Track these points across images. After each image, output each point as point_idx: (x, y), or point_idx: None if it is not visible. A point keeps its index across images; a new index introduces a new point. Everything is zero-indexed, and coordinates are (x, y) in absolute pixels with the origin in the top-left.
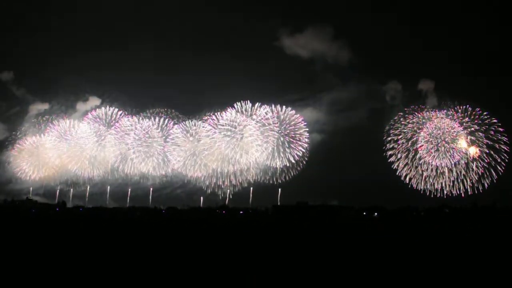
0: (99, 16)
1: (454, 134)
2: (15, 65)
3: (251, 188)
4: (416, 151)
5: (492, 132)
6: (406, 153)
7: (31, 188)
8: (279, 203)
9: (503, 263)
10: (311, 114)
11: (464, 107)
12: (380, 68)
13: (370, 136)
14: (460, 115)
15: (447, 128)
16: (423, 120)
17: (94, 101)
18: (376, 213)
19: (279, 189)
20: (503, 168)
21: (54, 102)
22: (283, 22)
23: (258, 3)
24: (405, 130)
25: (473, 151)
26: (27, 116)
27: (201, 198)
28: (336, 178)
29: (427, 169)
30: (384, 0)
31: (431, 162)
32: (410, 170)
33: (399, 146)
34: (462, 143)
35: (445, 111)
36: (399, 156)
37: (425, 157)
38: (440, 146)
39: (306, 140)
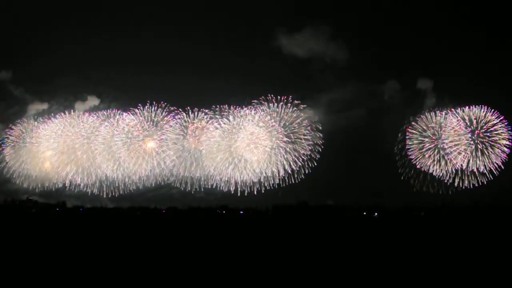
0: (98, 16)
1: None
2: (14, 64)
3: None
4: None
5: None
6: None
7: (30, 188)
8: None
9: (503, 262)
10: (309, 114)
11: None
12: (378, 67)
13: (369, 136)
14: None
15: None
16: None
17: (93, 100)
18: (376, 213)
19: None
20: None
21: (53, 101)
22: (281, 21)
23: (255, 1)
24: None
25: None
26: (26, 116)
27: (196, 197)
28: (335, 178)
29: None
30: (382, 0)
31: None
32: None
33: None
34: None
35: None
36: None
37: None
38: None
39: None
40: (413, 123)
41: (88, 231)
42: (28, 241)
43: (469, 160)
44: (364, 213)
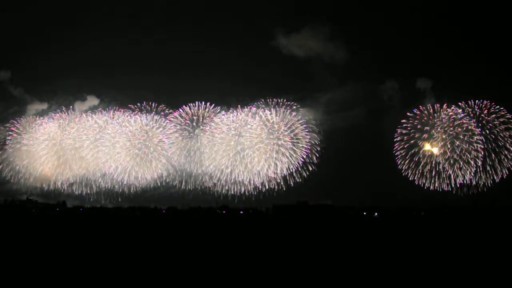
0: (97, 16)
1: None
2: (13, 64)
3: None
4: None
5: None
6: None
7: (29, 192)
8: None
9: (503, 263)
10: (308, 114)
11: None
12: (377, 67)
13: (368, 136)
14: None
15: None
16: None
17: (93, 100)
18: (376, 213)
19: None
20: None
21: (52, 101)
22: (280, 21)
23: (254, 1)
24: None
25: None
26: (26, 116)
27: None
28: (334, 178)
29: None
30: (381, 0)
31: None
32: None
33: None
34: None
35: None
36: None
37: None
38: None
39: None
40: (403, 121)
41: (88, 231)
42: (28, 241)
43: (470, 172)
44: (364, 213)
